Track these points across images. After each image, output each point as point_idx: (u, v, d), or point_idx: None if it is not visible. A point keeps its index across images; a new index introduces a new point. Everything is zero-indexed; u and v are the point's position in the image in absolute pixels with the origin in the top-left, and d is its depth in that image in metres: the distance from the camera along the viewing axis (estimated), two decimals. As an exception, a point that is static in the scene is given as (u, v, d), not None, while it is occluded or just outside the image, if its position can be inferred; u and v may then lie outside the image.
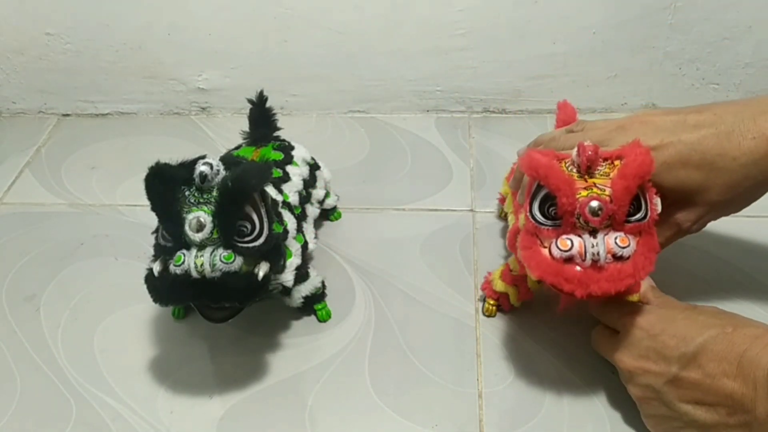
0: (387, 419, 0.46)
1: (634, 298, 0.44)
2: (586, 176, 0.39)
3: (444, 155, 0.69)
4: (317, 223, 0.59)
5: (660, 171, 0.41)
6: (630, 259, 0.38)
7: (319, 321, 0.53)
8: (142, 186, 0.40)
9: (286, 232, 0.47)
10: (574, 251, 0.38)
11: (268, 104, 0.56)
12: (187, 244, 0.40)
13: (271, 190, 0.48)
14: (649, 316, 0.42)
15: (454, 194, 0.64)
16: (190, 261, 0.40)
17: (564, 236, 0.38)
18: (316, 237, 0.54)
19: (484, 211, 0.62)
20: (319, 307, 0.52)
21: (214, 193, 0.41)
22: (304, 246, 0.50)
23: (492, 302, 0.52)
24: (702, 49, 0.68)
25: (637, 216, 0.39)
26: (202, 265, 0.40)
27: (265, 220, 0.42)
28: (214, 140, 0.73)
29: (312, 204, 0.55)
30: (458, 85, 0.72)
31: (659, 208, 0.40)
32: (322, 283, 0.52)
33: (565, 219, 0.38)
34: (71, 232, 0.62)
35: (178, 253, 0.40)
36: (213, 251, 0.40)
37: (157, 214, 0.41)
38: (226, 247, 0.40)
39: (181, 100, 0.76)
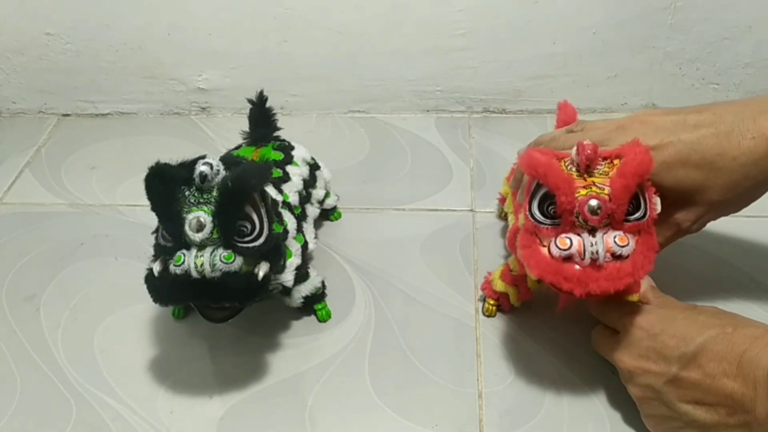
0: (387, 419, 0.46)
1: (634, 298, 0.45)
2: (586, 175, 0.39)
3: (444, 155, 0.69)
4: (317, 223, 0.59)
5: (659, 171, 0.41)
6: (629, 258, 0.38)
7: (319, 321, 0.53)
8: (142, 186, 0.40)
9: (286, 232, 0.47)
10: (573, 250, 0.38)
11: (268, 104, 0.56)
12: (187, 244, 0.40)
13: (271, 190, 0.48)
14: (649, 316, 0.42)
15: (454, 194, 0.64)
16: (190, 261, 0.40)
17: (563, 235, 0.38)
18: (316, 237, 0.54)
19: (484, 211, 0.62)
20: (319, 307, 0.52)
21: (214, 193, 0.41)
22: (304, 246, 0.50)
23: (492, 302, 0.52)
24: (702, 49, 0.68)
25: (636, 215, 0.39)
26: (202, 265, 0.40)
27: (265, 220, 0.42)
28: (214, 140, 0.73)
29: (312, 204, 0.55)
30: (458, 85, 0.72)
31: (659, 208, 0.40)
32: (322, 283, 0.52)
33: (564, 218, 0.38)
34: (71, 232, 0.62)
35: (178, 253, 0.40)
36: (213, 251, 0.40)
37: (157, 214, 0.41)
38: (226, 247, 0.40)
39: (181, 100, 0.76)
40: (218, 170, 0.41)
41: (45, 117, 0.78)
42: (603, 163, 0.40)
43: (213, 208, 0.40)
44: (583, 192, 0.38)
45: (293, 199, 0.51)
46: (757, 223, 0.58)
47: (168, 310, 0.54)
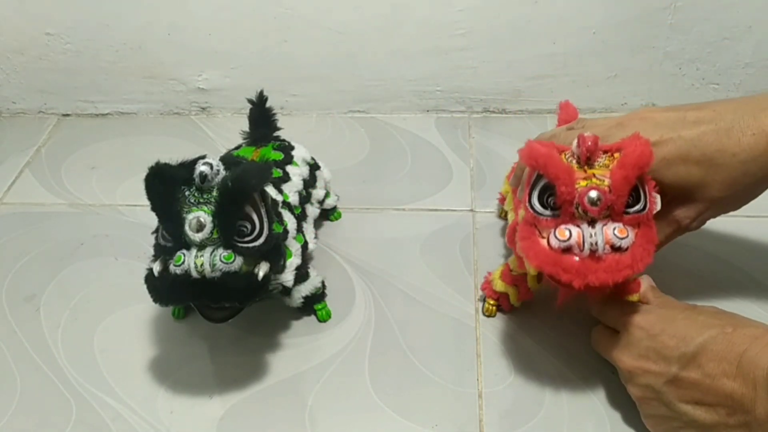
0: (387, 419, 0.46)
1: (634, 298, 0.45)
2: (586, 167, 0.39)
3: (444, 155, 0.69)
4: (317, 223, 0.59)
5: (659, 167, 0.41)
6: (628, 251, 0.38)
7: (319, 321, 0.53)
8: (142, 186, 0.40)
9: (286, 232, 0.47)
10: (573, 241, 0.38)
11: (268, 104, 0.56)
12: (187, 244, 0.40)
13: (271, 190, 0.48)
14: (648, 316, 0.42)
15: (454, 194, 0.64)
16: (190, 261, 0.40)
17: (562, 226, 0.38)
18: (316, 237, 0.54)
19: (484, 211, 0.62)
20: (319, 307, 0.52)
21: (214, 193, 0.41)
22: (304, 246, 0.50)
23: (492, 302, 0.52)
24: (702, 49, 0.68)
25: (636, 207, 0.39)
26: (202, 265, 0.40)
27: (265, 220, 0.42)
28: (214, 140, 0.73)
29: (312, 204, 0.55)
30: (458, 85, 0.72)
31: (659, 206, 0.40)
32: (322, 283, 0.52)
33: (563, 209, 0.38)
34: (71, 232, 0.62)
35: (178, 253, 0.40)
36: (213, 251, 0.40)
37: (157, 214, 0.41)
38: (226, 247, 0.40)
39: (181, 100, 0.76)
40: (218, 170, 0.41)
41: (45, 117, 0.78)
42: (603, 156, 0.40)
43: (213, 208, 0.40)
44: (583, 183, 0.38)
45: (293, 199, 0.51)
46: (757, 223, 0.58)
47: (168, 310, 0.54)
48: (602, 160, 0.40)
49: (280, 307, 0.52)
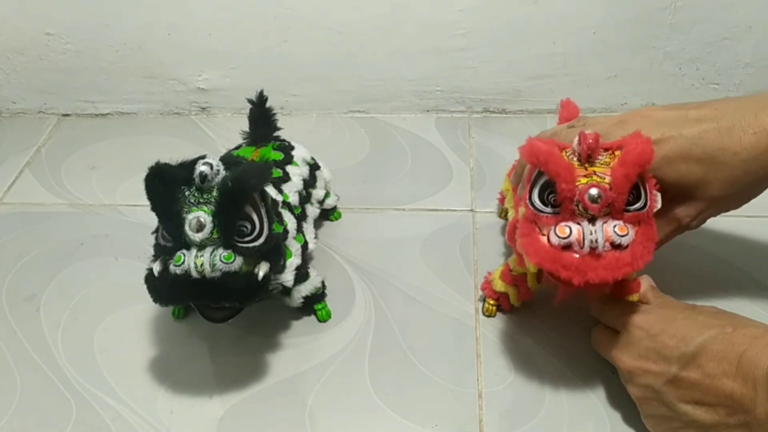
0: (387, 419, 0.46)
1: (634, 298, 0.45)
2: (587, 165, 0.39)
3: (444, 155, 0.69)
4: (317, 223, 0.59)
5: (661, 165, 0.41)
6: (628, 248, 0.38)
7: (319, 321, 0.53)
8: (142, 186, 0.40)
9: (286, 232, 0.47)
10: (573, 238, 0.38)
11: (268, 104, 0.56)
12: (187, 244, 0.40)
13: (271, 190, 0.48)
14: (648, 316, 0.42)
15: (454, 194, 0.64)
16: (190, 261, 0.40)
17: (563, 223, 0.38)
18: (316, 237, 0.54)
19: (484, 211, 0.62)
20: (319, 307, 0.52)
21: (214, 193, 0.41)
22: (304, 246, 0.50)
23: (492, 302, 0.52)
24: (702, 49, 0.68)
25: (637, 205, 0.39)
26: (202, 265, 0.40)
27: (265, 220, 0.42)
28: (214, 140, 0.73)
29: (312, 204, 0.55)
30: (458, 85, 0.72)
31: (659, 204, 0.40)
32: (322, 283, 0.52)
33: (564, 206, 0.38)
34: (71, 232, 0.62)
35: (178, 253, 0.40)
36: (213, 251, 0.40)
37: (157, 214, 0.41)
38: (226, 247, 0.40)
39: (181, 100, 0.76)
40: (218, 170, 0.41)
41: (45, 117, 0.78)
42: (604, 153, 0.40)
43: (213, 208, 0.40)
44: (583, 180, 0.38)
45: (293, 199, 0.51)
46: (756, 223, 0.58)
47: (168, 310, 0.54)
48: (603, 157, 0.40)
49: (280, 307, 0.52)
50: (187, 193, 0.41)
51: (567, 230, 0.38)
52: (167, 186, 0.40)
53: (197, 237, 0.40)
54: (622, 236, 0.38)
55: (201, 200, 0.41)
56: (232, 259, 0.40)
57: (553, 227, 0.38)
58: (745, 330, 0.38)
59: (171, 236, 0.41)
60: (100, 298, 0.55)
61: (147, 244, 0.45)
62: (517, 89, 0.72)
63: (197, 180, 0.40)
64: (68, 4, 0.69)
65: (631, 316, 0.43)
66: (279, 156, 0.54)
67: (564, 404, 0.46)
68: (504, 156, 0.68)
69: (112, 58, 0.73)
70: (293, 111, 0.76)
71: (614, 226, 0.38)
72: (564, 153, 0.40)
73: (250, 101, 0.56)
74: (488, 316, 0.52)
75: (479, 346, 0.50)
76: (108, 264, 0.59)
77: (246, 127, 0.57)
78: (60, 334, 0.53)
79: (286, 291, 0.49)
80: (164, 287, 0.41)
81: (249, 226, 0.41)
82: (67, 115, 0.78)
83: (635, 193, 0.39)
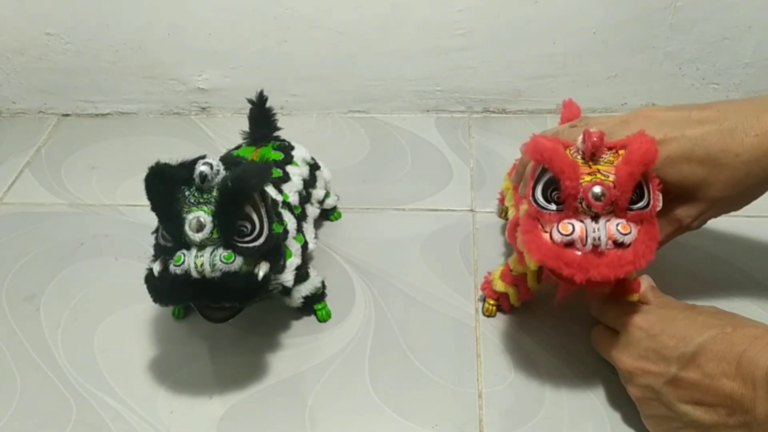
0: (387, 419, 0.46)
1: (634, 298, 0.45)
2: (591, 163, 0.39)
3: (444, 155, 0.69)
4: (317, 223, 0.59)
5: (663, 165, 0.41)
6: (631, 247, 0.38)
7: (319, 321, 0.53)
8: (142, 186, 0.40)
9: (286, 232, 0.47)
10: (575, 236, 0.38)
11: (268, 104, 0.56)
12: (187, 244, 0.40)
13: (271, 190, 0.48)
14: (648, 316, 0.42)
15: (454, 194, 0.64)
16: (190, 261, 0.40)
17: (566, 220, 0.38)
18: (316, 237, 0.54)
19: (484, 211, 0.62)
20: (319, 307, 0.52)
21: (214, 193, 0.41)
22: (304, 246, 0.50)
23: (492, 302, 0.52)
24: (702, 49, 0.68)
25: (640, 204, 0.39)
26: (202, 265, 0.40)
27: (265, 220, 0.42)
28: (214, 140, 0.73)
29: (312, 204, 0.55)
30: (458, 85, 0.72)
31: (661, 204, 0.40)
32: (322, 283, 0.52)
33: (567, 203, 0.38)
34: (71, 232, 0.62)
35: (178, 253, 0.40)
36: (213, 251, 0.40)
37: (157, 214, 0.41)
38: (226, 247, 0.40)
39: (181, 100, 0.76)
40: (218, 170, 0.41)
41: (45, 117, 0.78)
42: (608, 152, 0.40)
43: (213, 208, 0.40)
44: (587, 178, 0.38)
45: (293, 199, 0.51)
46: (757, 223, 0.58)
47: (168, 310, 0.54)
48: (607, 156, 0.40)
49: (280, 307, 0.52)
50: (187, 193, 0.41)
51: (570, 227, 0.38)
52: (167, 186, 0.40)
53: (197, 237, 0.40)
54: (625, 234, 0.38)
55: (201, 200, 0.41)
56: (232, 259, 0.40)
57: (555, 224, 0.38)
58: (745, 330, 0.38)
59: (171, 236, 0.41)
60: (100, 298, 0.55)
61: (147, 244, 0.45)
62: (517, 89, 0.72)
63: (197, 180, 0.40)
64: (68, 4, 0.69)
65: (630, 316, 0.43)
66: (279, 156, 0.54)
67: (564, 404, 0.46)
68: (504, 156, 0.68)
69: (112, 58, 0.73)
70: (293, 111, 0.76)
71: (617, 225, 0.38)
72: (568, 151, 0.40)
73: (250, 101, 0.56)
74: (488, 316, 0.52)
75: (479, 346, 0.50)
76: (108, 264, 0.59)
77: (246, 127, 0.57)
78: (60, 334, 0.53)
79: (286, 291, 0.49)
80: (164, 287, 0.41)
81: (249, 226, 0.41)
82: (67, 115, 0.78)
83: (639, 192, 0.39)
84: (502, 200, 0.60)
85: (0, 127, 0.77)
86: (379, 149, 0.70)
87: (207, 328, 0.52)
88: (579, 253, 0.38)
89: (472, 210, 0.62)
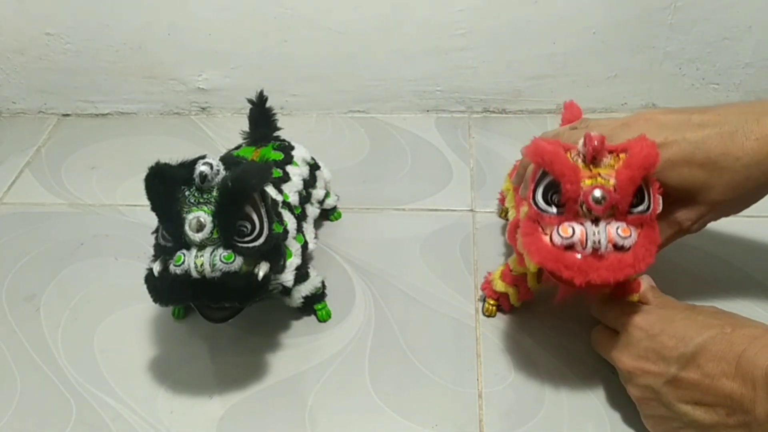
0: (387, 419, 0.46)
1: (634, 298, 0.45)
2: (591, 166, 0.39)
3: (444, 155, 0.69)
4: (317, 223, 0.59)
5: (663, 168, 0.41)
6: (631, 250, 0.38)
7: (319, 321, 0.53)
8: (142, 186, 0.40)
9: (286, 232, 0.47)
10: (576, 239, 0.38)
11: (268, 104, 0.56)
12: (187, 244, 0.40)
13: (271, 190, 0.48)
14: (648, 316, 0.42)
15: (454, 194, 0.64)
16: (190, 261, 0.40)
17: (566, 223, 0.38)
18: (316, 237, 0.54)
19: (484, 211, 0.62)
20: (319, 307, 0.52)
21: (214, 193, 0.41)
22: (304, 246, 0.50)
23: (492, 302, 0.52)
24: (702, 49, 0.68)
25: (640, 208, 0.39)
26: (202, 265, 0.40)
27: (265, 220, 0.42)
28: (214, 140, 0.73)
29: (312, 204, 0.55)
30: (458, 85, 0.72)
31: (661, 207, 0.40)
32: (322, 283, 0.52)
33: (568, 206, 0.38)
34: (71, 232, 0.62)
35: (178, 253, 0.40)
36: (213, 251, 0.40)
37: (157, 214, 0.41)
38: (226, 247, 0.40)
39: (181, 100, 0.76)
40: (218, 170, 0.41)
41: (45, 117, 0.78)
42: (609, 156, 0.40)
43: (213, 208, 0.40)
44: (588, 182, 0.38)
45: (293, 199, 0.51)
46: (757, 223, 0.58)
47: (168, 310, 0.54)
48: (608, 160, 0.40)
49: (280, 307, 0.52)
50: (187, 193, 0.41)
51: (570, 230, 0.38)
52: (167, 186, 0.40)
53: (197, 237, 0.40)
54: (625, 238, 0.38)
55: (201, 200, 0.41)
56: (232, 259, 0.40)
57: (556, 227, 0.39)
58: (744, 330, 0.38)
59: (171, 236, 0.41)
60: (100, 298, 0.55)
61: (147, 244, 0.45)
62: (517, 89, 0.72)
63: (197, 180, 0.40)
64: (68, 4, 0.69)
65: (630, 316, 0.43)
66: (279, 156, 0.54)
67: (564, 404, 0.46)
68: (504, 156, 0.68)
69: (112, 58, 0.73)
70: (293, 111, 0.76)
71: (617, 228, 0.38)
72: (569, 154, 0.40)
73: (250, 101, 0.56)
74: (488, 316, 0.52)
75: (479, 346, 0.50)
76: (108, 264, 0.59)
77: (246, 127, 0.57)
78: (60, 334, 0.53)
79: (286, 291, 0.49)
80: (164, 287, 0.41)
81: (249, 226, 0.41)
82: (67, 115, 0.78)
83: (639, 195, 0.39)
84: (502, 200, 0.60)
85: (0, 127, 0.77)
86: (379, 149, 0.70)
87: (207, 328, 0.52)
88: (579, 256, 0.38)
89: (472, 210, 0.62)
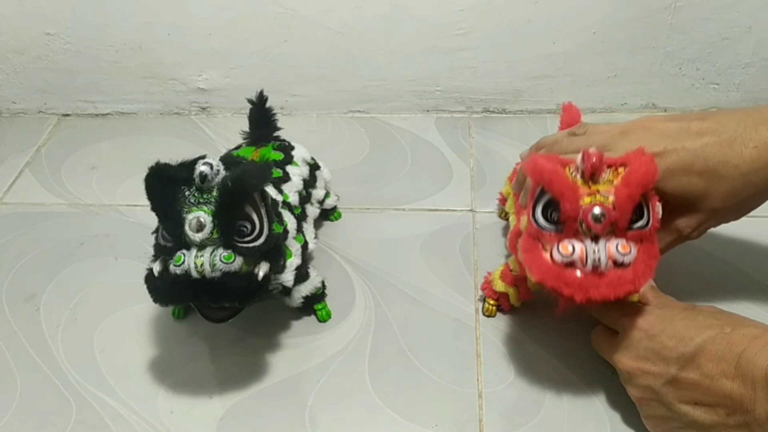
0: (387, 419, 0.46)
1: (634, 298, 0.45)
2: (590, 182, 0.39)
3: (444, 155, 0.69)
4: (317, 223, 0.59)
5: (663, 177, 0.41)
6: (630, 266, 0.38)
7: (319, 321, 0.53)
8: (142, 186, 0.40)
9: (286, 232, 0.47)
10: (576, 256, 0.38)
11: (268, 104, 0.56)
12: (187, 244, 0.40)
13: (271, 190, 0.48)
14: (648, 316, 0.42)
15: (454, 194, 0.64)
16: (190, 261, 0.40)
17: (566, 241, 0.38)
18: (316, 237, 0.54)
19: (484, 211, 0.62)
20: (319, 307, 0.52)
21: (214, 193, 0.41)
22: (304, 246, 0.50)
23: (492, 302, 0.52)
24: (702, 49, 0.68)
25: (639, 223, 0.39)
26: (202, 265, 0.40)
27: (265, 220, 0.42)
28: (214, 140, 0.73)
29: (312, 204, 0.55)
30: (458, 85, 0.72)
31: (660, 214, 0.40)
32: (322, 283, 0.52)
33: (567, 224, 0.39)
34: (71, 232, 0.62)
35: (178, 253, 0.40)
36: (213, 251, 0.40)
37: (157, 214, 0.41)
38: (226, 247, 0.40)
39: (181, 100, 0.76)
40: (218, 170, 0.41)
41: (45, 117, 0.78)
42: (608, 170, 0.40)
43: (213, 208, 0.40)
44: (587, 200, 0.38)
45: (293, 199, 0.51)
46: (757, 223, 0.58)
47: (168, 310, 0.54)
48: (606, 175, 0.40)
49: (280, 307, 0.52)
50: (187, 193, 0.41)
51: (570, 248, 0.38)
52: (167, 186, 0.40)
53: (197, 237, 0.40)
54: (625, 255, 0.38)
55: (201, 200, 0.41)
56: (232, 259, 0.40)
57: (556, 244, 0.39)
58: (744, 330, 0.38)
59: (171, 236, 0.41)
60: (100, 298, 0.55)
61: (147, 244, 0.45)
62: (517, 89, 0.72)
63: (197, 180, 0.40)
64: (68, 4, 0.69)
65: (630, 316, 0.43)
66: (279, 156, 0.54)
67: (564, 404, 0.46)
68: (504, 156, 0.68)
69: (112, 58, 0.73)
70: (293, 111, 0.76)
71: (617, 245, 0.38)
72: (567, 169, 0.40)
73: (250, 101, 0.56)
74: (488, 316, 0.52)
75: (479, 346, 0.50)
76: (108, 264, 0.59)
77: (246, 127, 0.57)
78: (60, 334, 0.53)
79: (286, 291, 0.49)
80: (164, 287, 0.41)
81: (249, 226, 0.41)
82: (67, 115, 0.78)
83: (638, 211, 0.39)
84: (502, 200, 0.60)
85: (0, 127, 0.77)
86: (379, 149, 0.70)
87: (207, 328, 0.52)
88: (579, 273, 0.38)
89: (472, 210, 0.62)
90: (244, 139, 0.57)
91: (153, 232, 0.43)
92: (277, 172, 0.52)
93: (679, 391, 0.39)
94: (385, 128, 0.73)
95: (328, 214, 0.61)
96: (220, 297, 0.40)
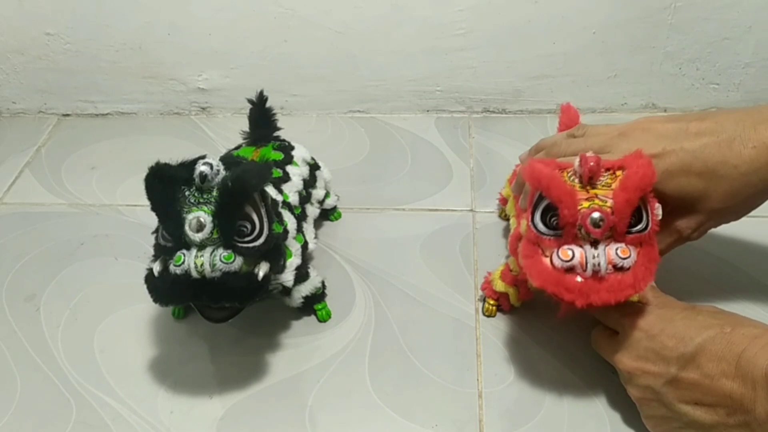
0: (387, 419, 0.46)
1: (634, 298, 0.44)
2: (588, 187, 0.39)
3: (444, 155, 0.69)
4: (317, 223, 0.59)
5: (662, 178, 0.41)
6: (630, 270, 0.38)
7: (319, 321, 0.53)
8: (142, 186, 0.40)
9: (286, 232, 0.47)
10: (575, 262, 0.38)
11: (268, 104, 0.56)
12: (187, 244, 0.40)
13: (271, 190, 0.48)
14: (648, 316, 0.42)
15: (454, 194, 0.64)
16: (190, 261, 0.40)
17: (565, 246, 0.39)
18: (316, 237, 0.54)
19: (484, 211, 0.62)
20: (319, 307, 0.52)
21: (214, 193, 0.41)
22: (304, 246, 0.50)
23: (492, 302, 0.52)
24: (702, 49, 0.68)
25: (638, 227, 0.39)
26: (202, 265, 0.40)
27: (265, 220, 0.42)
28: (214, 140, 0.73)
29: (312, 204, 0.55)
30: (458, 85, 0.72)
31: (660, 215, 0.40)
32: (322, 283, 0.52)
33: (566, 230, 0.39)
34: (71, 232, 0.62)
35: (178, 253, 0.40)
36: (213, 251, 0.40)
37: (157, 214, 0.41)
38: (226, 247, 0.40)
39: (181, 100, 0.76)
40: (218, 170, 0.41)
41: (45, 117, 0.78)
42: (605, 174, 0.40)
43: (213, 208, 0.40)
44: (585, 204, 0.38)
45: (293, 199, 0.51)
46: (757, 223, 0.58)
47: (168, 310, 0.54)
48: (604, 178, 0.40)
49: (280, 307, 0.52)
50: (187, 193, 0.41)
51: (570, 253, 0.38)
52: (167, 186, 0.40)
53: (197, 237, 0.40)
54: (624, 259, 0.38)
55: (201, 200, 0.41)
56: (232, 259, 0.40)
57: (555, 250, 0.39)
58: (744, 330, 0.38)
59: (171, 236, 0.41)
60: (100, 298, 0.55)
61: (147, 244, 0.45)
62: (517, 89, 0.72)
63: (197, 180, 0.40)
64: (68, 4, 0.69)
65: (630, 316, 0.43)
66: (279, 156, 0.54)
67: (564, 404, 0.46)
68: (504, 156, 0.68)
69: (112, 58, 0.73)
70: (293, 111, 0.76)
71: (616, 249, 0.38)
72: (565, 174, 0.40)
73: (250, 101, 0.56)
74: (488, 316, 0.52)
75: (479, 346, 0.50)
76: (108, 264, 0.59)
77: (246, 127, 0.57)
78: (60, 334, 0.53)
79: (286, 291, 0.49)
80: (164, 287, 0.41)
81: (249, 226, 0.41)
82: (67, 115, 0.78)
83: (637, 215, 0.39)
84: (502, 201, 0.60)
85: (0, 127, 0.77)
86: (379, 149, 0.70)
87: (207, 328, 0.52)
88: (579, 278, 0.38)
89: (472, 210, 0.62)
90: (244, 139, 0.57)
91: (153, 232, 0.43)
92: (277, 172, 0.52)
93: (680, 391, 0.39)
94: (385, 128, 0.73)
95: (328, 214, 0.61)
96: (220, 297, 0.40)
